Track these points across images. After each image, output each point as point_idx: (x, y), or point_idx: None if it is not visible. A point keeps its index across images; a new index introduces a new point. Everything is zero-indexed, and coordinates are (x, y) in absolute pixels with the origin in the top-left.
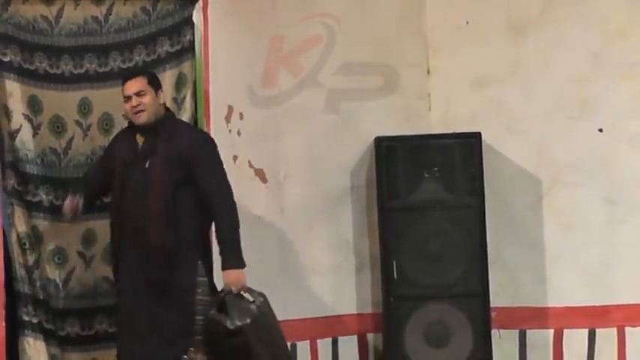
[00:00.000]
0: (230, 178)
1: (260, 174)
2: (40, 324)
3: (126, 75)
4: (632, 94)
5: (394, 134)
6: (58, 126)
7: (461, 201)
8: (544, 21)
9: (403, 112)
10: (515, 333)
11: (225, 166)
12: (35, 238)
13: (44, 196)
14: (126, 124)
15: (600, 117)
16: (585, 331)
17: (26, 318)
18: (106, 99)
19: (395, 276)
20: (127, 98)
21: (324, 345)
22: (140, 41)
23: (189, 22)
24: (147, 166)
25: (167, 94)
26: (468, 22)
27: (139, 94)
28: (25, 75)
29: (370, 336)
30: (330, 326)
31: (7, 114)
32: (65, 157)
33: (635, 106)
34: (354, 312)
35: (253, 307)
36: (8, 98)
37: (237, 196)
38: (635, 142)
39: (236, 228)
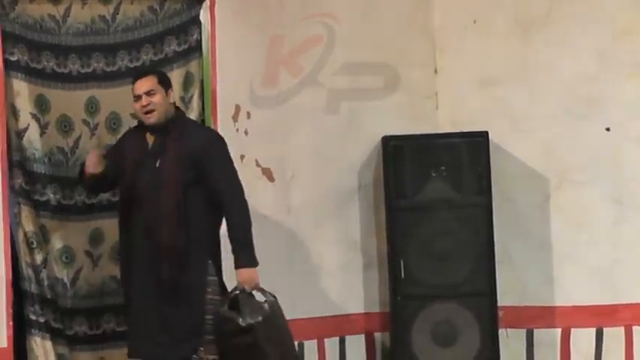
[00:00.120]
0: None
1: (267, 173)
2: (47, 323)
3: (136, 74)
4: (639, 93)
5: (401, 133)
6: (65, 125)
7: (468, 200)
8: (551, 20)
9: (410, 112)
10: (523, 332)
11: None
12: (43, 238)
13: (51, 195)
14: (134, 123)
15: (607, 116)
16: (593, 331)
17: (33, 317)
18: (113, 98)
19: (402, 275)
20: (137, 97)
21: (331, 344)
22: (147, 40)
23: (196, 22)
24: (157, 165)
25: (174, 93)
26: (475, 22)
27: (149, 93)
28: (33, 74)
29: (378, 335)
30: (338, 325)
31: (15, 113)
32: (72, 157)
33: None
34: (362, 311)
35: (265, 305)
36: (16, 97)
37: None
38: None
39: (248, 226)
